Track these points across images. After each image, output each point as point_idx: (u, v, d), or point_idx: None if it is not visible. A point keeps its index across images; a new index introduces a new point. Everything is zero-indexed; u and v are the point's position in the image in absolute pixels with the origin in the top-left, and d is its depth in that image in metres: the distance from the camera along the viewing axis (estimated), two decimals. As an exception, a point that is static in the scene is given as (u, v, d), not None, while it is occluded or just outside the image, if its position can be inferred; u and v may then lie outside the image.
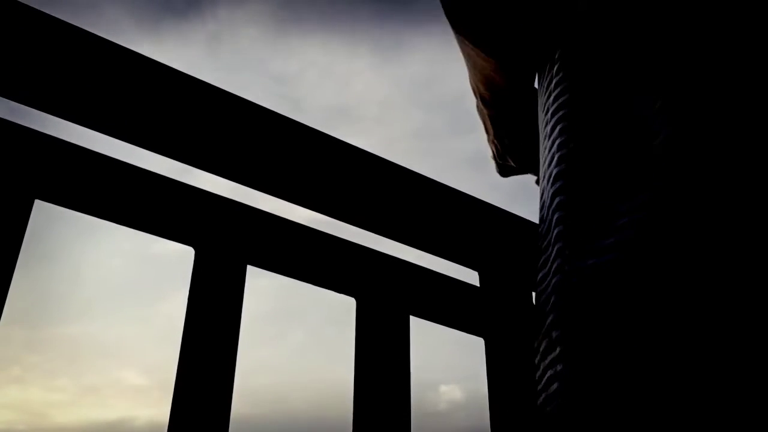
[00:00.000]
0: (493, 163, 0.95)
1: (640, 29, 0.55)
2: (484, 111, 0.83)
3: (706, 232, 0.46)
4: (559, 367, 0.51)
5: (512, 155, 0.86)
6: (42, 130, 0.66)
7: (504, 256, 0.89)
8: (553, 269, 0.56)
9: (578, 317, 0.51)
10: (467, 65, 0.77)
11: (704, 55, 0.50)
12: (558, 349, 0.52)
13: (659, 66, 0.52)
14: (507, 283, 0.88)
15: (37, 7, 0.68)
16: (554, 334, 0.53)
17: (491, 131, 0.85)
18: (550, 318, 0.54)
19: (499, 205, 0.91)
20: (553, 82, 0.63)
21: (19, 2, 0.66)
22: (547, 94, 0.65)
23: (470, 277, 0.87)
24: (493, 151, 0.89)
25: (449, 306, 0.84)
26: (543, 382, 0.54)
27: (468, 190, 0.90)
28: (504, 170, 0.93)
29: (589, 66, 0.59)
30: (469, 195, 0.87)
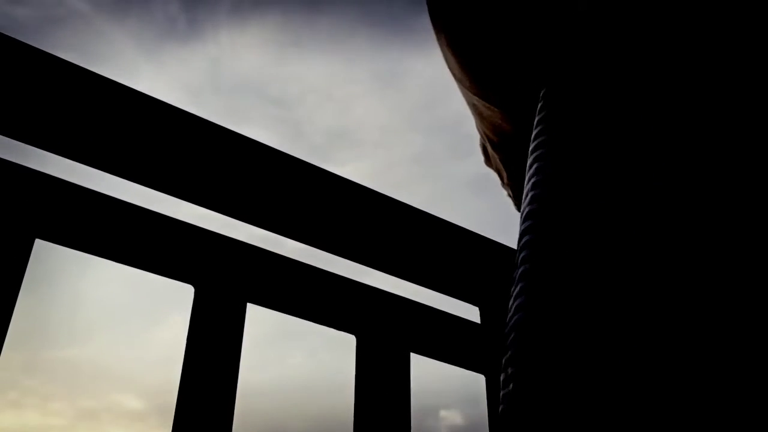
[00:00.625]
0: (510, 202, 0.95)
1: (626, 80, 0.56)
2: (495, 156, 0.83)
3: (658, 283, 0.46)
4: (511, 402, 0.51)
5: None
6: (42, 170, 0.66)
7: (505, 292, 0.89)
8: (514, 306, 0.57)
9: (533, 355, 0.51)
10: (472, 113, 0.77)
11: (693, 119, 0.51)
12: (511, 386, 0.52)
13: (645, 120, 0.53)
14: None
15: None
16: (509, 371, 0.53)
17: (504, 175, 0.85)
18: (508, 354, 0.54)
19: (500, 229, 0.91)
20: (536, 119, 0.64)
21: (16, 40, 0.66)
22: (533, 131, 0.66)
23: (471, 312, 0.87)
24: (508, 193, 0.89)
25: (450, 343, 0.83)
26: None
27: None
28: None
29: (570, 109, 0.60)
30: (469, 230, 0.87)
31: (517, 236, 0.88)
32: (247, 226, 0.75)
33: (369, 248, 0.82)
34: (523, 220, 0.59)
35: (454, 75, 0.72)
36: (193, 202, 0.74)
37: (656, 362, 0.44)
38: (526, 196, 0.59)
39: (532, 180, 0.59)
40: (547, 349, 0.49)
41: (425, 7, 0.72)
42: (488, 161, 0.85)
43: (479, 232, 0.93)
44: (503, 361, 0.54)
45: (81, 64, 0.70)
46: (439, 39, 0.73)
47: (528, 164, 0.62)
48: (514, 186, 0.85)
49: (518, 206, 0.88)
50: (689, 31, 0.54)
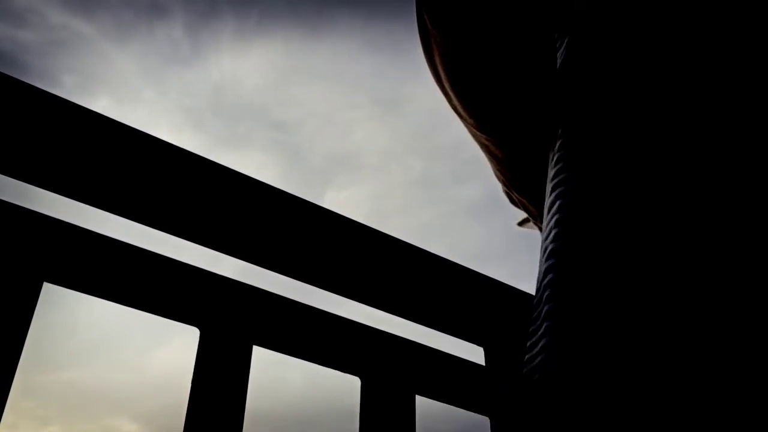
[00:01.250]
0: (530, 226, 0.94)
1: (639, 119, 0.56)
2: (514, 195, 0.83)
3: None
4: None
5: (528, 196, 0.86)
6: (50, 214, 0.67)
7: (509, 332, 0.89)
8: (539, 347, 0.57)
9: (563, 399, 0.51)
10: (485, 154, 0.78)
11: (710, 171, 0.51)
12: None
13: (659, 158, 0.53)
14: (513, 360, 0.88)
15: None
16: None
17: (531, 210, 0.85)
18: (535, 395, 0.54)
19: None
20: (555, 156, 0.64)
21: (20, 81, 0.67)
22: (550, 166, 0.66)
23: (475, 352, 0.87)
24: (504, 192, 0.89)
25: (455, 385, 0.83)
26: None
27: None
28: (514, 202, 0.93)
29: (589, 147, 0.60)
30: (473, 270, 0.87)
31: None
32: (255, 269, 0.75)
33: (373, 288, 0.82)
34: (546, 257, 0.58)
35: (456, 112, 0.73)
36: (197, 242, 0.75)
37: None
38: (549, 232, 0.59)
39: (555, 217, 0.59)
40: (578, 400, 0.49)
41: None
42: (512, 201, 0.85)
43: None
44: (530, 399, 0.54)
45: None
46: (438, 80, 0.74)
47: (547, 194, 0.62)
48: (515, 202, 0.85)
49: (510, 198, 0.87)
50: (698, 72, 0.55)
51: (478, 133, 0.73)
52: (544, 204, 0.81)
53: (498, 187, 0.85)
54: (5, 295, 0.62)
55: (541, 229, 0.86)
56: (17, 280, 0.63)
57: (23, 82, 0.68)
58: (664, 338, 0.47)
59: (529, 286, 0.93)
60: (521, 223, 0.90)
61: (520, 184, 0.80)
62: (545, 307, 0.56)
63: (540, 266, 0.61)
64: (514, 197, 0.84)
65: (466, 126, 0.75)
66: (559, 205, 0.58)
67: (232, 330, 0.71)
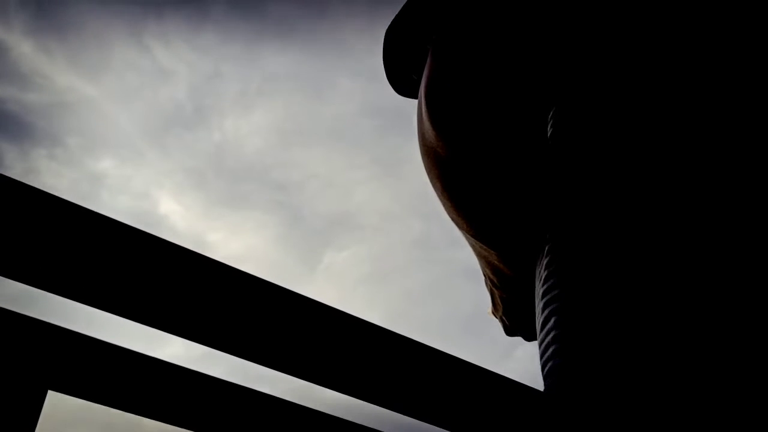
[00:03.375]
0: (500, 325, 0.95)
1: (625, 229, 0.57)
2: (495, 291, 0.84)
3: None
4: None
5: (522, 333, 0.87)
6: (53, 322, 0.68)
7: (507, 426, 0.89)
8: None
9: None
10: (474, 253, 0.78)
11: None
12: None
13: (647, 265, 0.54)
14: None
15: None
16: None
17: (500, 308, 0.86)
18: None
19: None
20: (544, 272, 0.65)
21: (20, 182, 0.68)
22: (539, 280, 0.67)
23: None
24: (502, 325, 0.90)
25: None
26: None
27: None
28: (512, 334, 0.94)
29: (578, 259, 0.61)
30: (478, 366, 0.87)
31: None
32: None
33: (377, 388, 0.82)
34: (547, 374, 0.59)
35: (450, 218, 0.73)
36: (200, 342, 0.75)
37: None
38: (547, 348, 0.60)
39: (552, 334, 0.59)
40: None
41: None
42: (494, 308, 0.86)
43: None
44: None
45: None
46: (435, 187, 0.74)
47: (540, 310, 0.63)
48: (507, 321, 0.86)
49: (508, 332, 0.88)
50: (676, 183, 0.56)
51: (473, 240, 0.74)
52: (531, 318, 0.82)
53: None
54: (8, 404, 0.63)
55: (505, 324, 0.87)
56: (21, 388, 0.64)
57: (23, 183, 0.69)
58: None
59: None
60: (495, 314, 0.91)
61: (512, 295, 0.81)
62: None
63: (544, 380, 0.62)
64: (491, 289, 0.84)
65: (461, 231, 0.76)
66: (554, 321, 0.59)
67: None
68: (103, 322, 0.72)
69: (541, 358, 0.61)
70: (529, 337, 0.90)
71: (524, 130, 0.67)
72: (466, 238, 0.76)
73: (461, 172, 0.67)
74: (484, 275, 0.83)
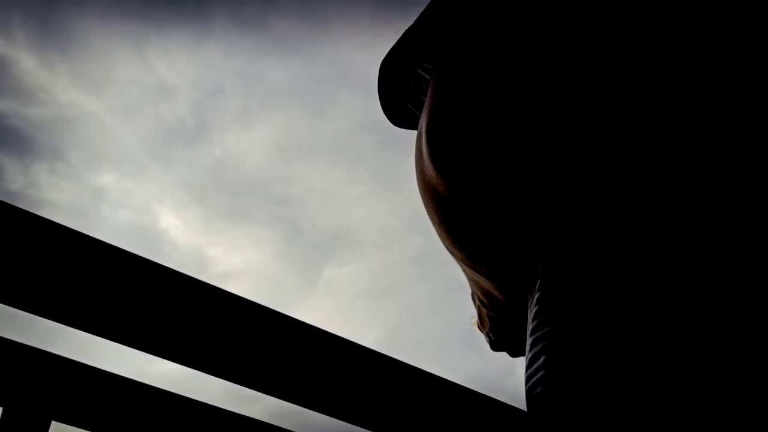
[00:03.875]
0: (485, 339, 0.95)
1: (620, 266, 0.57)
2: (482, 310, 0.84)
3: None
4: None
5: (508, 349, 0.88)
6: (57, 352, 0.69)
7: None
8: None
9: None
10: (464, 274, 0.78)
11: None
12: None
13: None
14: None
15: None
16: None
17: (487, 324, 0.86)
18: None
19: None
20: (534, 306, 0.65)
21: (20, 209, 0.69)
22: (530, 312, 0.67)
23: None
24: (487, 340, 0.90)
25: None
26: None
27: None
28: (497, 350, 0.94)
29: (568, 298, 0.60)
30: (479, 393, 0.88)
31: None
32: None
33: (381, 415, 0.84)
34: (531, 402, 0.60)
35: (445, 246, 0.73)
36: (204, 371, 0.77)
37: None
38: (536, 386, 0.60)
39: (540, 373, 0.60)
40: None
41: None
42: (480, 323, 0.87)
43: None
44: None
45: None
46: (432, 220, 0.75)
47: (533, 352, 0.63)
48: (495, 335, 0.86)
49: (494, 347, 0.88)
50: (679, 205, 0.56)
51: (468, 268, 0.74)
52: (518, 337, 0.82)
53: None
54: (14, 434, 0.65)
55: (490, 339, 0.87)
56: (25, 419, 0.66)
57: (24, 210, 0.71)
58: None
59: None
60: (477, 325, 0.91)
61: (502, 317, 0.81)
62: None
63: (527, 403, 0.63)
64: (485, 330, 0.84)
65: (455, 259, 0.76)
66: (543, 360, 0.59)
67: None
68: (104, 350, 0.73)
69: (528, 393, 0.62)
70: (515, 353, 0.90)
71: (526, 171, 0.67)
72: (460, 265, 0.76)
73: (461, 209, 0.67)
74: (474, 295, 0.83)
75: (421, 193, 0.74)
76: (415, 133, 0.75)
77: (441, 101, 0.65)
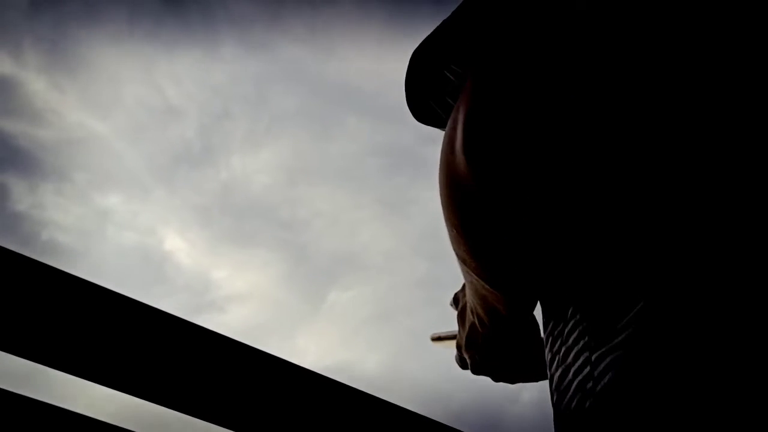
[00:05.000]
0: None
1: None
2: (476, 329, 0.81)
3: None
4: None
5: (492, 374, 0.85)
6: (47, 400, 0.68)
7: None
8: None
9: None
10: (468, 288, 0.76)
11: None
12: None
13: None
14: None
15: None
16: None
17: (474, 346, 0.82)
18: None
19: None
20: (570, 331, 0.63)
21: (22, 255, 0.69)
22: (556, 336, 0.64)
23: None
24: (461, 361, 0.86)
25: None
26: None
27: None
28: (477, 373, 0.90)
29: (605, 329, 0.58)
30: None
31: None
32: None
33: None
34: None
35: (457, 255, 0.70)
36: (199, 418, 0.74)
37: None
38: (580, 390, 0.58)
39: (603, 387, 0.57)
40: None
41: (435, 140, 0.71)
42: (461, 326, 0.83)
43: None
44: None
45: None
46: (449, 222, 0.72)
47: (576, 359, 0.60)
48: (481, 355, 0.82)
49: (475, 370, 0.84)
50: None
51: (477, 280, 0.71)
52: (509, 360, 0.79)
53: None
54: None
55: (464, 361, 0.83)
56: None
57: (21, 254, 0.70)
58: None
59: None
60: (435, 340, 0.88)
61: (498, 334, 0.78)
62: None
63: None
64: (466, 352, 0.81)
65: (463, 267, 0.73)
66: (611, 377, 0.56)
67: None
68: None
69: (576, 406, 0.59)
70: (498, 377, 0.86)
71: (559, 175, 0.64)
72: (466, 275, 0.73)
73: (486, 209, 0.65)
74: (470, 310, 0.80)
75: (441, 191, 0.71)
76: (434, 130, 0.74)
77: (479, 97, 0.64)
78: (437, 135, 0.78)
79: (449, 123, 0.69)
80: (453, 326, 0.93)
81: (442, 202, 0.71)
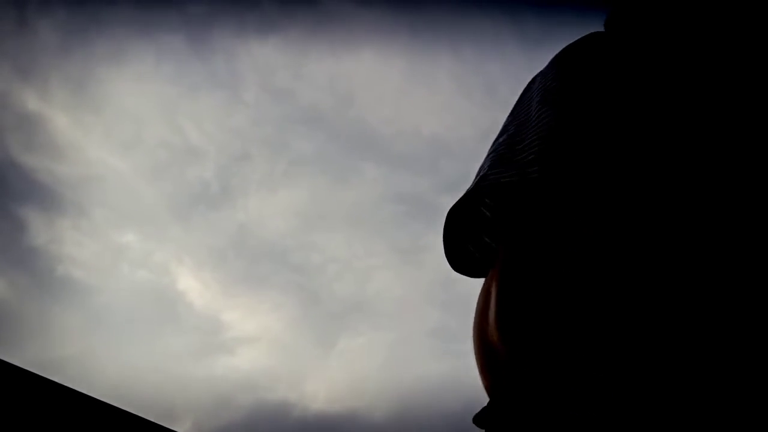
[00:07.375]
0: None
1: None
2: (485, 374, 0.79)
3: None
4: None
5: None
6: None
7: None
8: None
9: None
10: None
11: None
12: None
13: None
14: None
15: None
16: None
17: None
18: None
19: None
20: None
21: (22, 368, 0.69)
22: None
23: None
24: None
25: None
26: None
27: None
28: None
29: None
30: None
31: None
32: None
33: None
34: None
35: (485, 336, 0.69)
36: None
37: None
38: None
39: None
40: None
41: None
42: None
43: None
44: None
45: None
46: (476, 358, 0.72)
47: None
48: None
49: None
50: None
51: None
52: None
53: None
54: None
55: None
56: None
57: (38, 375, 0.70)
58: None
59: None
60: None
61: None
62: None
63: None
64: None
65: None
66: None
67: None
68: None
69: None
70: None
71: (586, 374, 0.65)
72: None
73: (517, 379, 0.66)
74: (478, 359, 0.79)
75: (475, 352, 0.72)
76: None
77: (511, 276, 0.65)
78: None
79: (484, 285, 0.71)
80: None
81: (476, 359, 0.72)
